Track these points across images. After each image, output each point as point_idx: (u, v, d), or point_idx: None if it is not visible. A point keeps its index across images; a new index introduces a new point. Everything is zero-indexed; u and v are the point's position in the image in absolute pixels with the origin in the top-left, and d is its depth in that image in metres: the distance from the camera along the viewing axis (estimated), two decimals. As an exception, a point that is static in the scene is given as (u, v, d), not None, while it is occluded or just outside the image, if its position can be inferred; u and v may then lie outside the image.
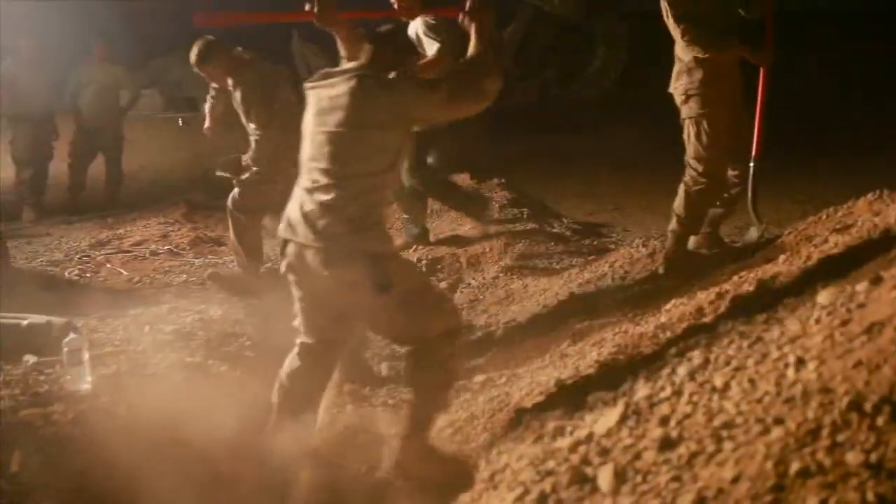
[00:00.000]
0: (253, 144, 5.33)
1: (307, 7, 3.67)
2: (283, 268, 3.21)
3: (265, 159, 5.32)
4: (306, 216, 3.06)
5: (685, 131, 4.73)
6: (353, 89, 3.05)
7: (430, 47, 5.30)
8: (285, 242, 3.15)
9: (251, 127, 5.33)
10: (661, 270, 4.76)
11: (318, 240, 3.02)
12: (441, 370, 3.17)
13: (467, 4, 3.38)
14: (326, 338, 3.30)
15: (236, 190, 5.45)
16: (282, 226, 3.17)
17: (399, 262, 3.11)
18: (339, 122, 3.04)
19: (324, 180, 3.05)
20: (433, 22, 5.31)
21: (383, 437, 3.62)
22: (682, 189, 4.75)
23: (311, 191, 3.08)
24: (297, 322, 3.34)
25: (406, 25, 3.34)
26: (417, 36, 5.40)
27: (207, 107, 5.79)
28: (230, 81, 5.34)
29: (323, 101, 3.11)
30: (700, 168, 4.65)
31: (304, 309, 3.26)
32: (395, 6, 5.24)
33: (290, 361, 3.37)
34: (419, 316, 3.10)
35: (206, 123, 5.76)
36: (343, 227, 3.00)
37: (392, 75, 3.08)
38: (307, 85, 3.20)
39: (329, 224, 3.01)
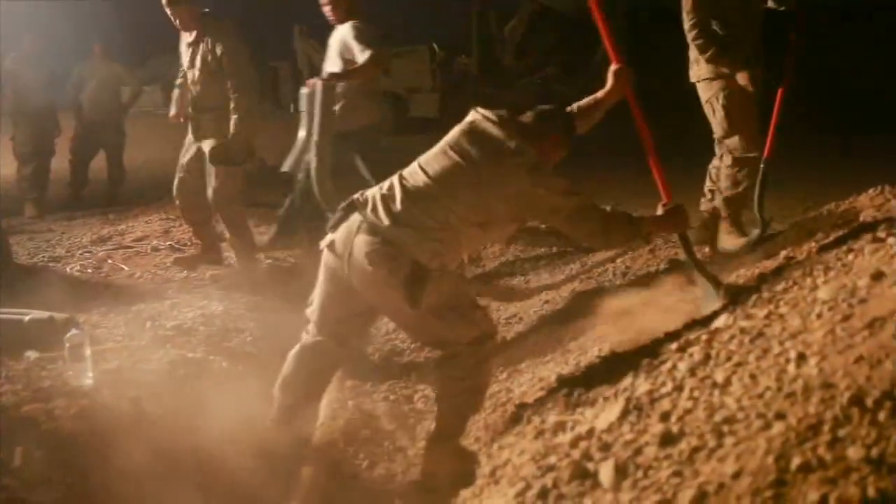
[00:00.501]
0: (234, 126, 5.27)
1: None
2: (325, 242, 3.17)
3: (244, 138, 5.32)
4: (385, 199, 3.07)
5: (708, 115, 4.78)
6: (503, 145, 3.07)
7: (361, 54, 5.33)
8: (344, 216, 3.12)
9: (233, 95, 5.24)
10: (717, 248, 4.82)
11: (379, 230, 3.01)
12: (471, 376, 3.16)
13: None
14: (338, 333, 3.29)
15: (218, 182, 5.40)
16: (359, 194, 3.16)
17: (439, 282, 3.03)
18: (468, 158, 3.07)
19: (420, 187, 3.07)
20: (362, 28, 5.36)
21: (384, 432, 3.64)
22: (722, 172, 4.79)
23: (405, 186, 3.09)
24: (311, 310, 3.32)
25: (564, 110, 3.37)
26: (345, 42, 5.43)
27: (176, 94, 5.68)
28: (207, 41, 5.26)
29: (471, 132, 3.13)
30: (730, 144, 4.68)
31: (326, 297, 3.24)
32: (329, 13, 5.25)
33: (296, 355, 3.36)
34: (449, 324, 3.09)
35: (173, 111, 5.66)
36: (407, 230, 3.00)
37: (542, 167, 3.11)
38: (475, 112, 3.21)
39: (399, 224, 3.01)
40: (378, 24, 5.71)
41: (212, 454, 3.17)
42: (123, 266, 5.84)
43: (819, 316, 2.40)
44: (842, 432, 1.81)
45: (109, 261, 5.99)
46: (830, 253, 3.21)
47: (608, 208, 3.28)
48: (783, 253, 3.77)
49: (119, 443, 2.97)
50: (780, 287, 3.03)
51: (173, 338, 4.20)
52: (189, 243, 6.26)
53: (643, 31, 14.31)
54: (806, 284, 2.88)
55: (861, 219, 3.68)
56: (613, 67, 3.54)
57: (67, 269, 5.75)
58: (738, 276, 3.77)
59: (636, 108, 3.58)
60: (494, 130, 3.12)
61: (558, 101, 3.59)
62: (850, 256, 2.99)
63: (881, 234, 3.03)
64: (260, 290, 5.15)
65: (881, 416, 1.80)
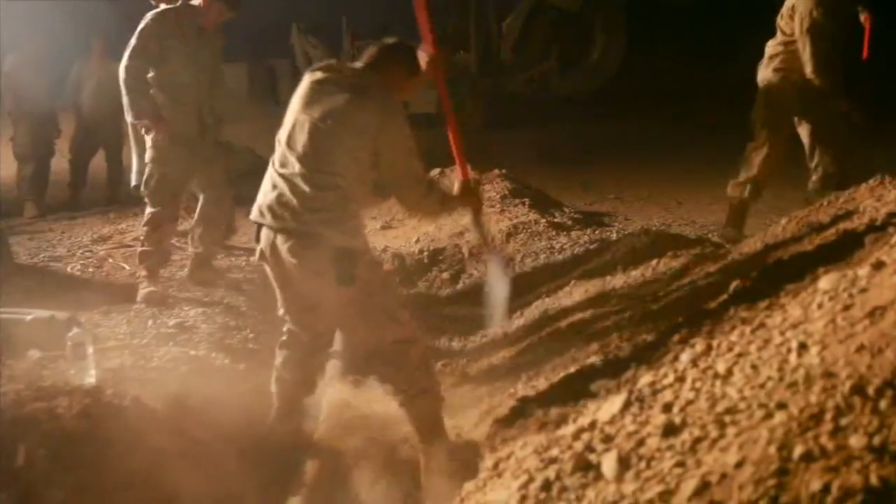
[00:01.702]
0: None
1: None
2: (257, 255, 3.21)
3: None
4: (278, 200, 3.05)
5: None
6: (352, 87, 3.07)
7: None
8: (259, 227, 3.14)
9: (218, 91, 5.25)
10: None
11: (287, 226, 3.02)
12: (409, 382, 3.20)
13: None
14: (306, 325, 3.32)
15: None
16: (255, 209, 3.16)
17: (366, 259, 3.10)
18: (322, 115, 3.04)
19: (297, 168, 3.04)
20: None
21: (386, 428, 3.64)
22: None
23: (284, 176, 3.07)
24: (282, 310, 3.37)
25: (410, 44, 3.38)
26: None
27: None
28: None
29: (320, 92, 3.10)
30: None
31: (281, 298, 3.29)
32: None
33: (280, 349, 3.40)
34: (374, 321, 3.12)
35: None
36: (313, 217, 3.00)
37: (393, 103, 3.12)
38: (310, 72, 3.19)
39: (300, 212, 3.01)
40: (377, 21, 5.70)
41: (214, 451, 3.18)
42: (124, 265, 5.85)
43: (820, 306, 2.40)
44: (844, 421, 1.81)
45: (110, 260, 6.00)
46: (831, 243, 3.21)
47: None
48: (784, 243, 3.78)
49: (122, 441, 2.97)
50: (780, 277, 3.03)
51: (175, 335, 4.20)
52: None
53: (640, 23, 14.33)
54: (807, 274, 2.88)
55: (861, 209, 3.68)
56: (429, 53, 3.49)
57: (68, 269, 5.76)
58: (742, 263, 3.77)
59: (444, 89, 3.61)
60: (337, 78, 3.11)
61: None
62: (851, 246, 2.99)
63: (881, 224, 3.03)
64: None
65: (883, 404, 1.80)
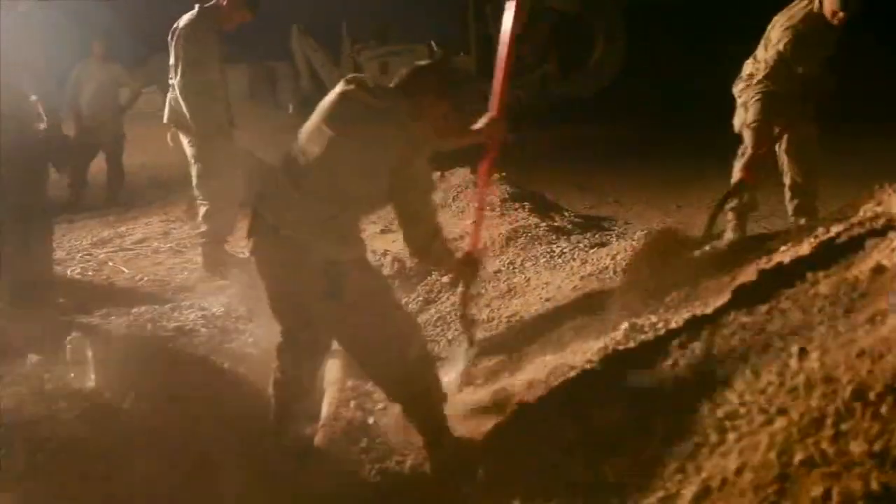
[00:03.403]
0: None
1: None
2: (249, 248, 3.16)
3: None
4: (279, 199, 3.02)
5: None
6: (379, 114, 2.99)
7: None
8: (255, 221, 3.09)
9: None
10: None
11: (285, 230, 2.98)
12: (409, 381, 3.16)
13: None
14: (296, 323, 3.26)
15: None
16: (254, 201, 3.12)
17: (358, 273, 3.02)
18: (346, 132, 2.98)
19: (307, 173, 3.00)
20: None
21: (386, 431, 3.64)
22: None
23: (291, 176, 3.02)
24: (273, 312, 3.35)
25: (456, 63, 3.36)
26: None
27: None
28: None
29: (348, 107, 3.03)
30: None
31: (270, 297, 3.22)
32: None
33: (277, 353, 3.39)
34: (367, 324, 3.06)
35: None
36: (312, 227, 2.96)
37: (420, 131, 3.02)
38: (347, 80, 3.11)
39: (299, 218, 2.97)
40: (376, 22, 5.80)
41: (212, 455, 3.18)
42: (124, 268, 5.85)
43: (820, 310, 2.40)
44: (844, 426, 1.81)
45: (110, 263, 6.00)
46: (831, 248, 3.21)
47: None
48: (784, 248, 3.77)
49: (121, 445, 2.97)
50: (781, 282, 3.03)
51: (175, 339, 4.20)
52: (189, 245, 6.27)
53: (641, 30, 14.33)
54: (807, 279, 2.88)
55: (861, 214, 3.68)
56: (491, 115, 3.51)
57: (68, 272, 5.75)
58: (742, 268, 3.77)
59: (489, 160, 3.62)
60: (368, 98, 3.02)
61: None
62: (851, 251, 2.99)
63: (882, 229, 3.03)
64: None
65: (883, 409, 1.80)
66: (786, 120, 5.01)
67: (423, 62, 3.28)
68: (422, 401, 3.21)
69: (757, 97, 5.02)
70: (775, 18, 4.91)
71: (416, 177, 3.04)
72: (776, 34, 4.82)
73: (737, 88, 5.17)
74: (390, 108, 3.00)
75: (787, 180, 5.23)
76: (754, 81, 5.06)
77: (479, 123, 3.49)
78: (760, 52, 5.01)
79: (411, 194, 3.06)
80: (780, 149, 5.19)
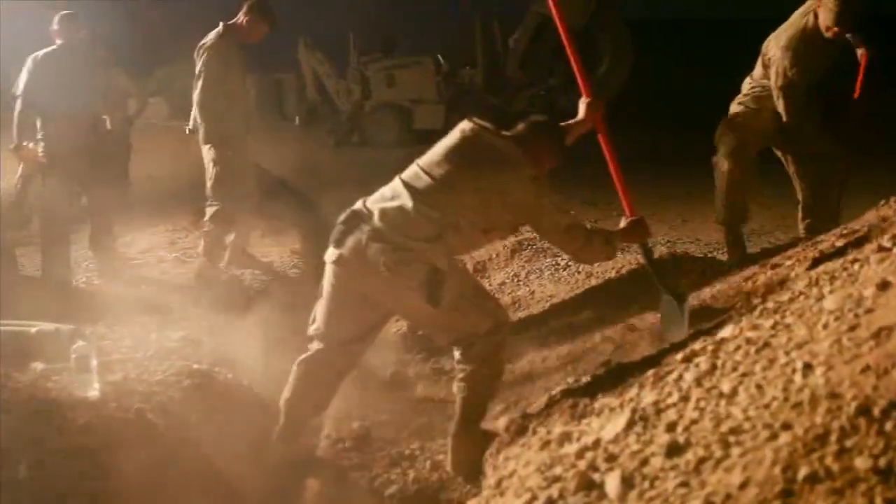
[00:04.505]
0: None
1: None
2: (331, 257, 3.22)
3: None
4: (393, 208, 3.14)
5: None
6: (503, 155, 3.19)
7: None
8: (347, 229, 3.17)
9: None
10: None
11: (391, 237, 3.08)
12: (489, 363, 3.28)
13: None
14: (346, 339, 3.32)
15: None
16: (360, 203, 3.23)
17: (453, 278, 3.16)
18: (472, 167, 3.17)
19: (425, 189, 3.14)
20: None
21: (391, 441, 3.63)
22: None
23: (410, 190, 3.15)
24: (315, 327, 3.34)
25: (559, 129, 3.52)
26: None
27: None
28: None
29: (472, 146, 3.22)
30: None
31: (335, 305, 3.28)
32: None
33: (302, 369, 3.37)
34: (464, 317, 3.21)
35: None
36: (419, 236, 3.09)
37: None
38: (471, 121, 3.30)
39: (408, 227, 3.10)
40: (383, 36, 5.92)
41: (218, 466, 3.17)
42: (129, 278, 5.85)
43: (825, 326, 2.40)
44: (849, 442, 1.81)
45: (115, 272, 6.00)
46: (836, 263, 3.20)
47: (588, 226, 3.47)
48: (789, 263, 3.77)
49: (125, 455, 2.97)
50: (785, 297, 3.02)
51: (179, 349, 4.20)
52: (195, 255, 6.28)
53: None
54: (812, 294, 2.87)
55: (866, 229, 3.68)
56: (585, 100, 3.73)
57: (73, 281, 5.76)
58: (746, 283, 3.77)
59: (604, 136, 3.86)
60: (493, 139, 3.23)
61: (555, 113, 3.78)
62: (856, 266, 2.98)
63: (887, 244, 3.02)
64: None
65: (888, 426, 1.79)
66: (763, 138, 4.97)
67: (538, 118, 3.47)
68: (488, 384, 3.34)
69: (734, 112, 4.99)
70: (770, 37, 4.89)
71: (550, 217, 3.28)
72: (772, 52, 4.80)
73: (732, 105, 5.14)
74: (511, 155, 3.21)
75: (799, 199, 5.20)
76: (744, 97, 5.03)
77: (581, 112, 3.72)
78: (757, 71, 4.99)
79: (552, 234, 3.36)
80: (789, 170, 5.17)
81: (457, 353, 3.32)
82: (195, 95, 5.61)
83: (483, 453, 3.18)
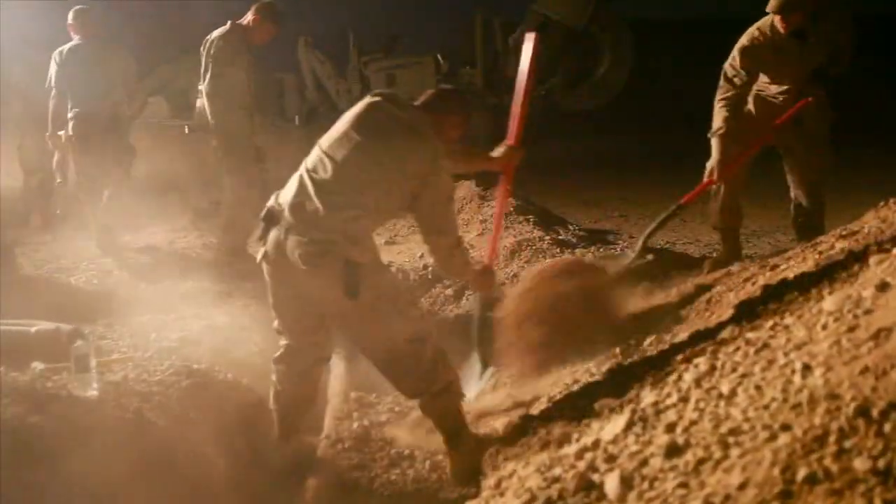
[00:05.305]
0: None
1: None
2: (259, 255, 3.23)
3: None
4: (302, 202, 3.09)
5: None
6: (403, 124, 3.14)
7: None
8: (267, 227, 3.16)
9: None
10: None
11: (306, 231, 3.04)
12: (429, 381, 3.22)
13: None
14: (302, 331, 3.33)
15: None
16: (272, 200, 3.20)
17: (374, 274, 3.12)
18: (370, 141, 3.11)
19: (329, 178, 3.09)
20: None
21: (389, 443, 3.63)
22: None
23: (315, 181, 3.11)
24: (276, 323, 3.37)
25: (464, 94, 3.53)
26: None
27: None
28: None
29: (376, 118, 3.17)
30: None
31: (277, 302, 3.30)
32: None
33: (277, 364, 3.40)
34: (383, 323, 3.13)
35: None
36: (333, 228, 3.04)
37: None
38: (372, 94, 3.28)
39: (321, 220, 3.04)
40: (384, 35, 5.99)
41: (216, 466, 3.17)
42: (129, 277, 5.85)
43: (824, 327, 2.40)
44: (848, 443, 1.81)
45: (115, 272, 6.00)
46: (835, 264, 3.21)
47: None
48: (788, 264, 3.77)
49: (123, 454, 2.97)
50: (785, 298, 3.03)
51: (178, 349, 4.20)
52: (195, 254, 6.28)
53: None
54: (811, 295, 2.88)
55: (866, 230, 3.68)
56: (508, 144, 3.69)
57: (73, 280, 5.76)
58: (746, 284, 3.77)
59: (507, 184, 3.89)
60: (395, 111, 3.18)
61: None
62: (856, 267, 2.99)
63: (886, 245, 3.03)
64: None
65: (887, 427, 1.80)
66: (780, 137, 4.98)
67: (447, 86, 3.43)
68: (441, 400, 3.27)
69: (720, 104, 4.98)
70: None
71: (440, 189, 3.17)
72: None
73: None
74: (415, 121, 3.15)
75: (792, 199, 5.21)
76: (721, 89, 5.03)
77: (496, 152, 3.65)
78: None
79: (436, 207, 3.20)
80: (785, 168, 5.17)
81: (406, 389, 3.33)
82: (204, 87, 5.75)
83: (481, 458, 3.16)
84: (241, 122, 5.80)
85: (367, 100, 3.24)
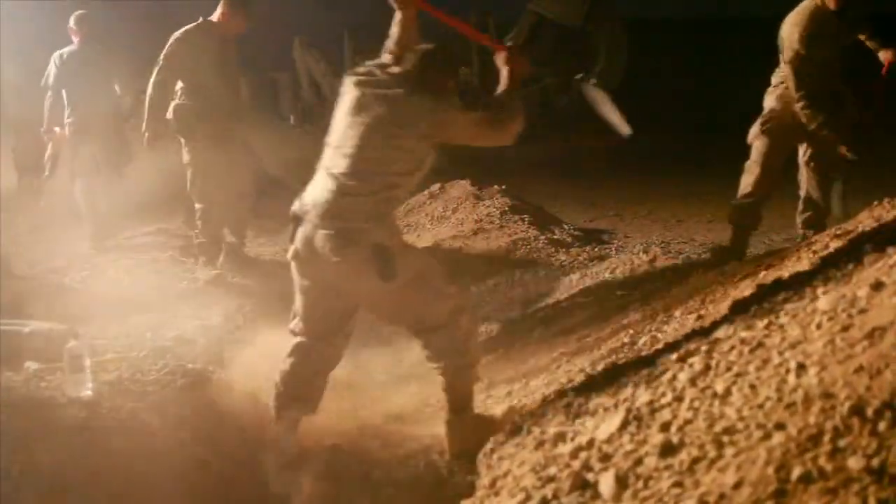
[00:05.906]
0: None
1: None
2: (290, 254, 3.29)
3: None
4: (327, 198, 3.16)
5: None
6: (398, 93, 3.18)
7: None
8: (296, 226, 3.22)
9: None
10: None
11: (332, 224, 3.12)
12: (459, 355, 3.29)
13: (507, 48, 3.60)
14: (324, 332, 3.35)
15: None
16: (297, 203, 3.26)
17: (405, 254, 3.21)
18: (375, 119, 3.16)
19: (347, 169, 3.16)
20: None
21: (387, 434, 3.63)
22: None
23: (334, 175, 3.18)
24: (294, 322, 3.38)
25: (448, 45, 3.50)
26: None
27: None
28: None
29: (365, 96, 3.21)
30: None
31: (306, 300, 3.33)
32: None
33: (287, 363, 3.39)
34: (422, 301, 3.23)
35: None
36: (358, 217, 3.11)
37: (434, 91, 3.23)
38: (351, 77, 3.32)
39: (345, 211, 3.12)
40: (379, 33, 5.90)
41: (213, 466, 3.17)
42: (123, 277, 5.83)
43: (819, 326, 2.40)
44: (842, 442, 1.81)
45: (109, 271, 5.98)
46: (830, 263, 3.21)
47: (488, 107, 3.41)
48: (783, 263, 3.77)
49: (118, 453, 2.96)
50: (779, 297, 3.03)
51: (173, 348, 4.19)
52: (189, 254, 6.27)
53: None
54: (806, 295, 2.88)
55: (860, 230, 3.69)
56: (500, 53, 3.59)
57: (67, 280, 5.74)
58: (741, 283, 3.77)
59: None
60: (381, 89, 3.22)
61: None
62: (850, 267, 2.99)
63: (881, 245, 3.03)
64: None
65: (881, 426, 1.80)
66: (794, 138, 4.99)
67: (427, 46, 3.42)
68: (463, 372, 3.35)
69: (766, 111, 5.01)
70: (785, 19, 4.93)
71: (459, 123, 3.29)
72: (784, 31, 4.86)
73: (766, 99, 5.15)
74: (410, 84, 3.21)
75: (801, 192, 5.20)
76: (773, 89, 5.06)
77: (499, 61, 3.57)
78: (782, 56, 5.02)
79: (468, 130, 3.33)
80: (801, 160, 5.16)
81: (424, 350, 3.34)
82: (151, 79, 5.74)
83: (481, 438, 3.18)
84: (216, 127, 5.69)
85: (350, 82, 3.29)
